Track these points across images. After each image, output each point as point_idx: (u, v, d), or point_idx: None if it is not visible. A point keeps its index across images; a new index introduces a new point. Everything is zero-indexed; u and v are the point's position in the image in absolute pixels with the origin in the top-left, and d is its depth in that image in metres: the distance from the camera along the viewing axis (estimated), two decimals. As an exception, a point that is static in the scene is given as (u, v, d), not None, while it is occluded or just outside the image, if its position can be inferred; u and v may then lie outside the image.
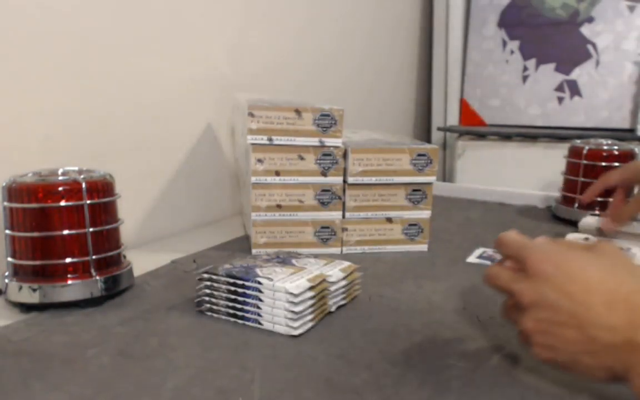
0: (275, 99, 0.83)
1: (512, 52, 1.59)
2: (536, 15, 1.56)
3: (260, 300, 0.53)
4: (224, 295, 0.55)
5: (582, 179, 0.97)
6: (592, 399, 0.43)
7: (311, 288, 0.53)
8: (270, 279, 0.53)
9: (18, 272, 0.58)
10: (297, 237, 0.77)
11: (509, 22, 1.59)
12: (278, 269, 0.56)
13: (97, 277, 0.58)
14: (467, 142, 1.60)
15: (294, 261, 0.61)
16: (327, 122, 0.74)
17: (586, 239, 0.82)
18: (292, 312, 0.51)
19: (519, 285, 0.41)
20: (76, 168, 0.61)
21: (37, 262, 0.57)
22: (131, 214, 0.77)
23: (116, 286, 0.60)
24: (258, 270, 0.55)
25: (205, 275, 0.56)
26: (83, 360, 0.47)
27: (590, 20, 1.50)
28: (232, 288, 0.54)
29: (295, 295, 0.51)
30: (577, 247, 0.42)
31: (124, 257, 0.65)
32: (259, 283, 0.53)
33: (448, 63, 1.67)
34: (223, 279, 0.55)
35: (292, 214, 0.76)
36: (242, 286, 0.54)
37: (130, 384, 0.44)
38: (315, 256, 0.64)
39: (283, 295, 0.51)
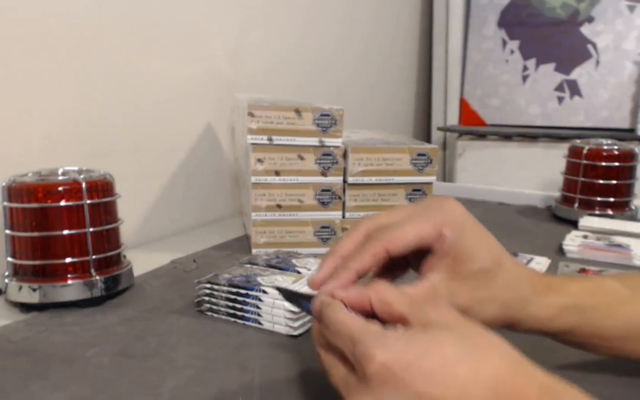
0: (275, 98, 0.83)
1: (512, 51, 1.59)
2: (536, 15, 1.56)
3: (260, 300, 0.53)
4: (224, 295, 0.55)
5: (582, 179, 0.97)
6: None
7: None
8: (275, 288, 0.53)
9: (18, 272, 0.58)
10: (297, 237, 0.77)
11: (508, 21, 1.59)
12: (280, 278, 0.56)
13: (97, 277, 0.58)
14: (467, 142, 1.60)
15: (294, 261, 0.61)
16: (327, 121, 0.74)
17: (585, 237, 0.82)
18: (292, 312, 0.51)
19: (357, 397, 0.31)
20: (76, 168, 0.61)
21: (37, 262, 0.57)
22: (131, 214, 0.77)
23: (116, 286, 0.60)
24: (260, 279, 0.55)
25: (207, 285, 0.56)
26: (83, 360, 0.47)
27: (590, 20, 1.50)
28: (234, 289, 0.54)
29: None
30: (406, 311, 0.32)
31: (124, 257, 0.65)
32: (264, 292, 0.52)
33: (448, 63, 1.67)
34: (225, 288, 0.55)
35: (292, 214, 0.76)
36: (246, 295, 0.54)
37: (130, 383, 0.44)
38: (315, 256, 0.64)
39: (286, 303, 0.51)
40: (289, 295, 0.40)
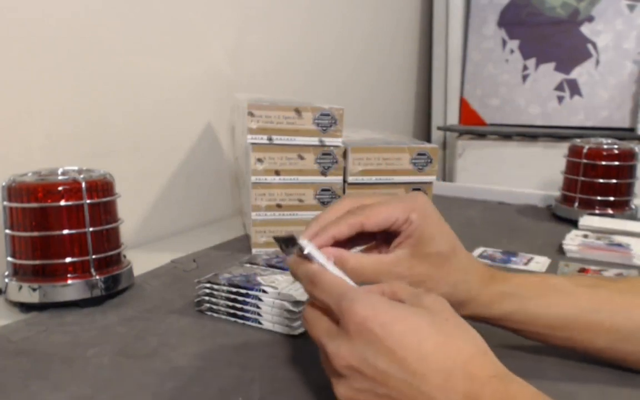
0: (275, 98, 0.83)
1: (512, 51, 1.59)
2: (536, 14, 1.56)
3: (260, 300, 0.53)
4: (224, 295, 0.55)
5: (582, 178, 0.97)
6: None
7: None
8: (275, 288, 0.53)
9: (18, 272, 0.58)
10: (297, 237, 0.77)
11: (508, 21, 1.59)
12: (280, 277, 0.56)
13: (97, 277, 0.58)
14: (467, 141, 1.60)
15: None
16: (327, 121, 0.74)
17: (585, 236, 0.82)
18: (292, 312, 0.51)
19: (335, 345, 0.34)
20: (76, 168, 0.61)
21: (37, 262, 0.57)
22: (131, 214, 0.77)
23: (116, 286, 0.60)
24: (260, 279, 0.55)
25: (207, 284, 0.56)
26: (83, 360, 0.47)
27: (590, 19, 1.50)
28: (234, 289, 0.54)
29: (302, 303, 0.51)
30: (405, 297, 0.36)
31: (124, 256, 0.65)
32: (264, 292, 0.52)
33: (448, 63, 1.68)
34: (225, 288, 0.55)
35: (292, 214, 0.76)
36: (246, 295, 0.54)
37: (130, 384, 0.44)
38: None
39: (286, 298, 0.51)
40: (283, 240, 0.42)
